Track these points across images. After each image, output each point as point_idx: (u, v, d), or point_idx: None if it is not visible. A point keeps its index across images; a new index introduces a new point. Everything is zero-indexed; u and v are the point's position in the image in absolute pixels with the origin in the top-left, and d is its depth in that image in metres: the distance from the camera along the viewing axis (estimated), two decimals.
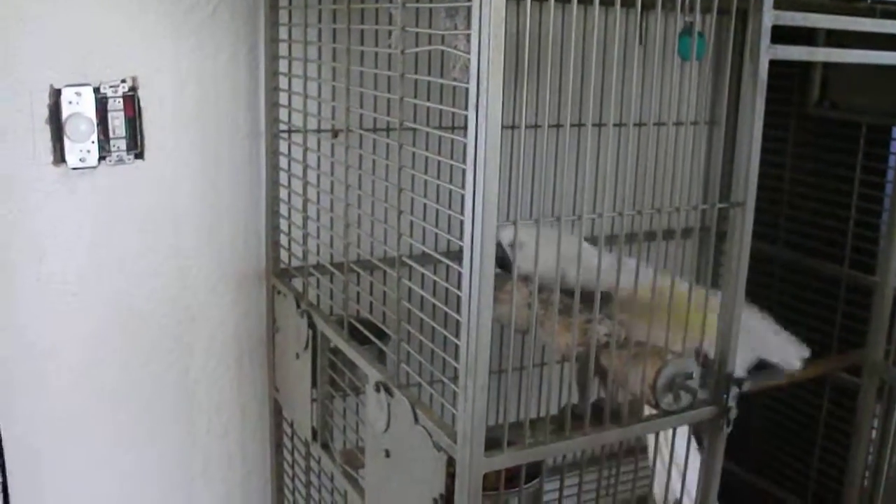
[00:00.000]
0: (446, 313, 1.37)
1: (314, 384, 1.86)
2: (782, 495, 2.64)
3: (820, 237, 2.12)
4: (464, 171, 1.24)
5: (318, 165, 1.87)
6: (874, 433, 2.05)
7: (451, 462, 1.37)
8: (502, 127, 1.20)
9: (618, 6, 1.27)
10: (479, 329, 1.26)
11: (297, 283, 1.99)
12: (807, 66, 2.39)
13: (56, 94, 1.89)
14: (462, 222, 1.26)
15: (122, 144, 1.98)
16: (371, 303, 1.76)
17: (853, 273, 2.24)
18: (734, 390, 1.53)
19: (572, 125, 1.30)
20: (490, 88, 1.19)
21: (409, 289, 1.52)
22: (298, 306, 1.89)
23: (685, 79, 1.42)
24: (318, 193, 1.86)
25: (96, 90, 1.92)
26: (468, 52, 1.21)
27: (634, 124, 1.35)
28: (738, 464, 2.73)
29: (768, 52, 1.44)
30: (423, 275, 1.48)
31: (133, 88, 1.96)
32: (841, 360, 2.19)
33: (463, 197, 1.25)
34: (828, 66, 2.37)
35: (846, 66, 2.29)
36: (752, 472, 2.73)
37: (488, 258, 1.24)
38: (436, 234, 1.44)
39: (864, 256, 2.23)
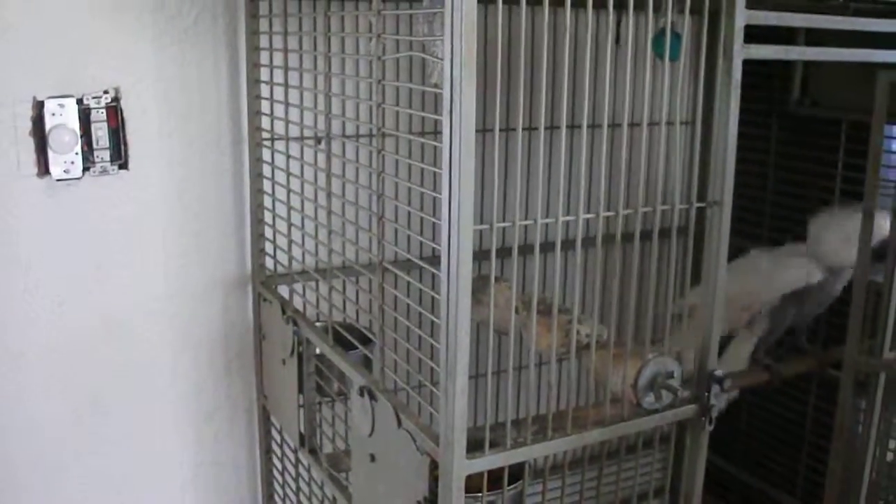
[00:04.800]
0: (429, 318, 1.37)
1: (301, 390, 1.86)
2: (773, 492, 2.65)
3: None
4: (436, 176, 1.25)
5: (302, 173, 1.87)
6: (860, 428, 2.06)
7: (434, 465, 1.38)
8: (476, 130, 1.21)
9: (589, 7, 1.28)
10: (458, 331, 1.27)
11: (284, 290, 1.99)
12: (788, 65, 2.40)
13: (39, 106, 1.89)
14: (436, 226, 1.27)
15: (106, 155, 1.98)
16: (357, 309, 1.77)
17: None
18: (716, 388, 1.54)
19: (546, 128, 1.30)
20: (464, 93, 1.20)
21: (394, 294, 1.53)
22: (284, 313, 1.90)
23: (658, 79, 1.43)
24: (303, 201, 1.87)
25: (79, 101, 1.93)
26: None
27: (609, 125, 1.36)
28: (729, 461, 2.75)
29: (742, 51, 1.45)
30: (406, 280, 1.49)
31: (116, 99, 1.97)
32: (824, 356, 2.20)
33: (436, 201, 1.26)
34: (808, 64, 2.39)
35: (826, 65, 2.30)
36: (743, 469, 2.74)
37: (465, 261, 1.25)
38: (417, 239, 1.44)
39: None
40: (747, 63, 1.48)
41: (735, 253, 2.13)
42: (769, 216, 2.49)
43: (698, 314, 1.96)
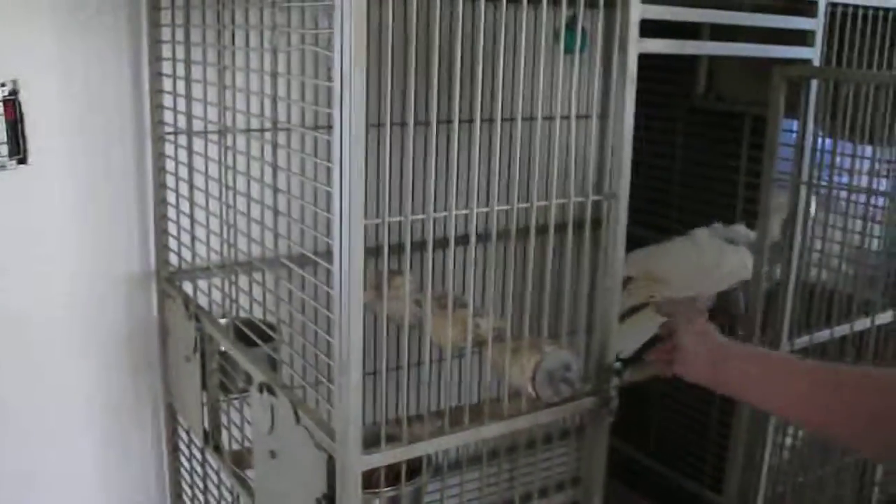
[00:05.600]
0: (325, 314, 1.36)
1: (204, 387, 1.84)
2: (682, 480, 2.69)
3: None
4: (329, 170, 1.24)
5: (206, 168, 1.84)
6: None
7: (331, 461, 1.37)
8: (370, 125, 1.21)
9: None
10: (351, 326, 1.27)
11: (189, 286, 1.96)
12: (693, 60, 2.44)
13: None
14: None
15: (4, 149, 1.93)
16: (257, 305, 1.75)
17: None
18: (614, 380, 1.55)
19: (441, 122, 1.30)
20: (354, 86, 1.19)
21: (291, 290, 1.51)
22: (187, 309, 1.88)
23: (557, 73, 1.43)
24: (206, 196, 1.84)
25: None
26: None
27: (504, 119, 1.36)
28: (639, 449, 2.79)
29: (637, 45, 1.47)
30: (302, 275, 1.48)
31: (14, 92, 1.92)
32: None
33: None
34: (714, 59, 2.43)
35: (730, 60, 2.34)
36: (653, 458, 2.79)
37: (357, 255, 1.24)
38: (313, 235, 1.43)
39: None
40: (654, 57, 1.50)
41: (641, 242, 2.16)
42: (676, 208, 2.53)
43: (631, 285, 2.00)
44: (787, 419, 1.76)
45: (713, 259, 2.13)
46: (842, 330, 1.98)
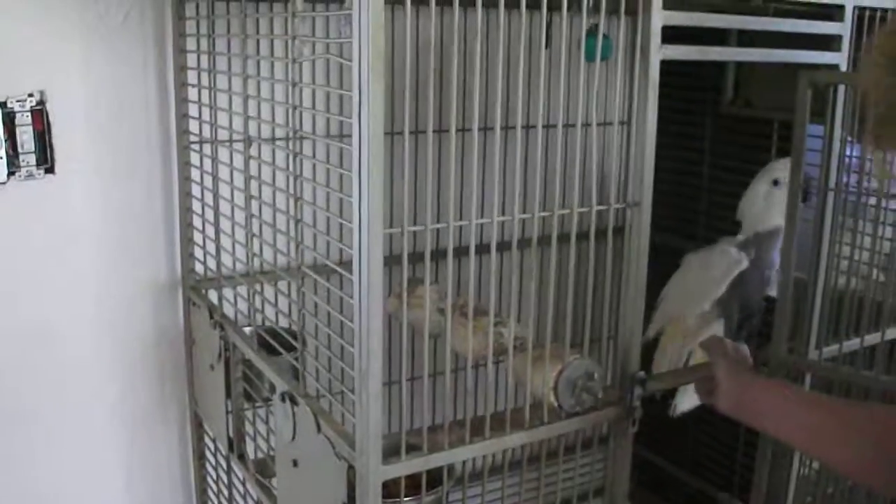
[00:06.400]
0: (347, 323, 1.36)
1: (229, 395, 1.85)
2: (711, 490, 2.66)
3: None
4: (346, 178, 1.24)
5: (231, 178, 1.84)
6: None
7: (352, 470, 1.37)
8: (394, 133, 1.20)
9: (501, 8, 1.27)
10: (370, 335, 1.26)
11: (214, 294, 1.97)
12: (721, 67, 2.42)
13: None
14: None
15: (32, 159, 1.95)
16: (287, 315, 1.75)
17: None
18: (638, 390, 1.54)
19: (459, 130, 1.29)
20: (372, 94, 1.19)
21: (314, 299, 1.51)
22: (211, 318, 1.88)
23: (580, 81, 1.42)
24: (231, 205, 1.85)
25: (3, 105, 1.89)
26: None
27: (523, 127, 1.35)
28: (668, 459, 2.76)
29: (659, 51, 1.45)
30: (325, 284, 1.48)
31: (41, 102, 1.94)
32: (755, 355, 2.21)
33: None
34: (741, 65, 2.41)
35: (757, 66, 2.32)
36: (682, 467, 2.76)
37: (376, 264, 1.24)
38: (335, 244, 1.43)
39: None
40: (682, 64, 1.49)
41: (670, 251, 2.15)
42: (705, 214, 2.51)
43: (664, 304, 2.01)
44: (803, 451, 1.79)
45: (700, 268, 2.14)
46: (872, 338, 1.95)
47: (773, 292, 2.06)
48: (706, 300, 2.10)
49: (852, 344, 1.93)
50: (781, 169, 2.01)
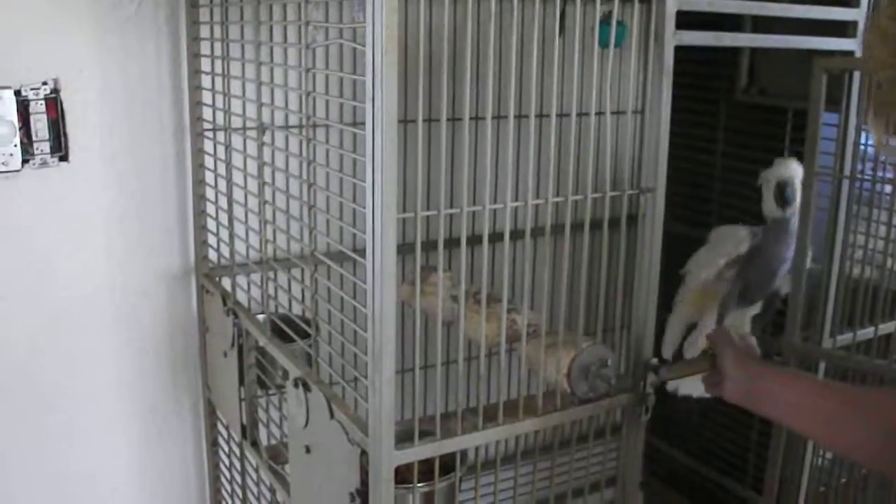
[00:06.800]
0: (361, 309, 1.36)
1: (242, 382, 1.85)
2: (723, 480, 2.66)
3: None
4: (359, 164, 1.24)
5: (245, 165, 1.84)
6: None
7: (365, 456, 1.37)
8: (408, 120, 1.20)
9: None
10: (384, 321, 1.26)
11: (227, 281, 1.98)
12: (735, 54, 2.41)
13: None
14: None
15: (46, 147, 1.96)
16: (301, 301, 1.75)
17: None
18: (651, 377, 1.53)
19: (471, 118, 1.29)
20: (385, 80, 1.19)
21: (328, 286, 1.51)
22: (225, 305, 1.89)
23: (594, 69, 1.42)
24: (245, 192, 1.85)
25: (17, 93, 1.90)
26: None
27: (537, 115, 1.35)
28: (680, 449, 2.76)
29: (674, 38, 1.45)
30: (339, 271, 1.47)
31: (55, 90, 1.94)
32: (769, 344, 2.21)
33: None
34: (755, 52, 2.39)
35: (771, 53, 2.31)
36: (694, 457, 2.76)
37: (389, 250, 1.24)
38: (349, 230, 1.43)
39: None
40: (696, 51, 1.48)
41: (682, 240, 2.14)
42: (717, 203, 2.50)
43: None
44: (814, 439, 1.78)
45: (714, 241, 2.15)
46: (887, 327, 1.94)
47: (784, 290, 2.06)
48: (708, 270, 2.10)
49: (867, 332, 1.93)
50: (786, 172, 2.00)
